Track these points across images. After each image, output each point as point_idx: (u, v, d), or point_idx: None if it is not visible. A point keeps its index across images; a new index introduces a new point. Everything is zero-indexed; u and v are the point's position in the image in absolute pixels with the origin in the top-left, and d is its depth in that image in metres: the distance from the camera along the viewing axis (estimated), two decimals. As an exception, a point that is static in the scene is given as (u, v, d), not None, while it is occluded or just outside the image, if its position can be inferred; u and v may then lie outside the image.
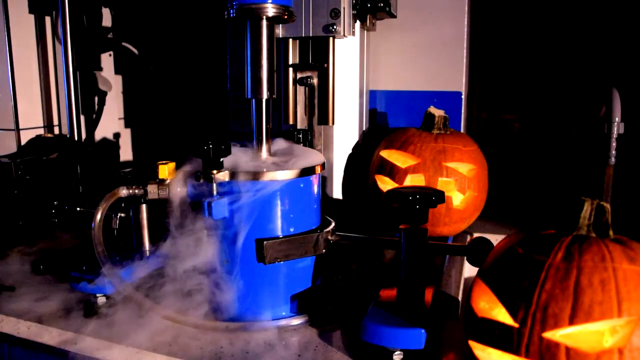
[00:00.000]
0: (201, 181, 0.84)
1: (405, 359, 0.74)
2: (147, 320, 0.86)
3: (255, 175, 0.84)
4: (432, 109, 1.23)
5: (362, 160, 1.33)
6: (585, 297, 0.59)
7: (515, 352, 0.61)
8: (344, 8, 1.12)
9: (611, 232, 0.67)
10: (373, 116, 1.48)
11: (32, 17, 1.51)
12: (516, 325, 0.62)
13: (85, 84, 1.58)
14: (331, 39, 1.16)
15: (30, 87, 1.52)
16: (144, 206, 0.98)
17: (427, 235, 0.80)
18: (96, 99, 1.64)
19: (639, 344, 0.57)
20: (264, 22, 0.86)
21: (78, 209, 1.20)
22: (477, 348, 0.67)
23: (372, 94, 1.48)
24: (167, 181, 0.90)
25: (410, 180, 1.16)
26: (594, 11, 1.52)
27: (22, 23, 1.48)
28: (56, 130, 1.58)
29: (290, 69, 1.22)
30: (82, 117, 1.57)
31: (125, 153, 1.85)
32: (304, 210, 0.90)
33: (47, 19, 1.55)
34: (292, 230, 0.88)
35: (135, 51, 1.85)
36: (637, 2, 1.46)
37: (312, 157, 0.93)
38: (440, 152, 1.16)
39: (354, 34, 1.20)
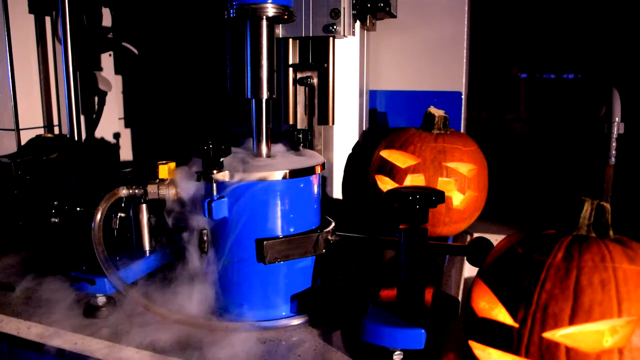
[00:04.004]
0: (201, 181, 0.84)
1: (405, 359, 0.74)
2: (146, 320, 0.87)
3: (255, 176, 0.84)
4: (432, 109, 1.23)
5: (362, 160, 1.33)
6: (585, 297, 0.59)
7: (515, 352, 0.61)
8: (344, 8, 1.12)
9: (611, 232, 0.67)
10: (373, 116, 1.48)
11: (32, 17, 1.51)
12: (516, 325, 0.62)
13: (85, 84, 1.58)
14: (331, 39, 1.16)
15: (30, 87, 1.52)
16: (144, 206, 0.98)
17: (427, 235, 0.80)
18: (96, 99, 1.64)
19: (639, 344, 0.57)
20: (264, 22, 0.86)
21: (78, 209, 1.20)
22: (477, 348, 0.67)
23: (372, 94, 1.48)
24: (167, 181, 0.90)
25: (410, 180, 1.16)
26: (594, 11, 1.52)
27: (22, 23, 1.48)
28: (56, 130, 1.58)
29: (290, 69, 1.22)
30: (82, 117, 1.57)
31: (125, 153, 1.85)
32: (304, 210, 0.90)
33: (47, 19, 1.55)
34: (292, 230, 0.87)
35: (135, 51, 1.85)
36: (637, 2, 1.46)
37: (312, 157, 0.93)
38: (440, 152, 1.16)
39: (354, 34, 1.20)
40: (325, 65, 1.17)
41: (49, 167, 1.28)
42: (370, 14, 1.31)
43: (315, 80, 1.21)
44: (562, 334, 0.59)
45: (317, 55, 1.19)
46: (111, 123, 1.73)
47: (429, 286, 0.86)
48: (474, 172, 1.18)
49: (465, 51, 1.41)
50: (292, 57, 1.21)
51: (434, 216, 1.16)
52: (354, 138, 1.33)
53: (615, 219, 0.68)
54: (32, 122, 1.52)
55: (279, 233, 0.86)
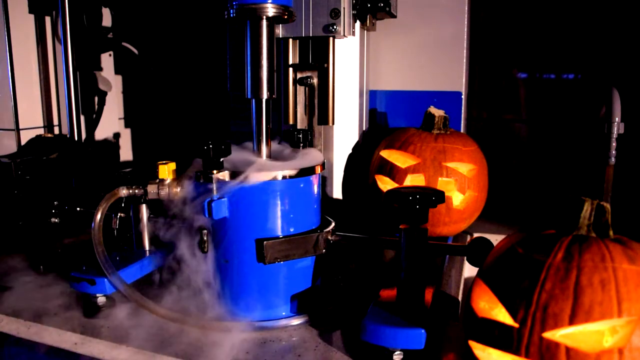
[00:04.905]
0: (201, 181, 0.84)
1: (405, 359, 0.74)
2: (147, 321, 0.87)
3: (256, 175, 0.83)
4: (432, 109, 1.23)
5: (362, 160, 1.33)
6: (585, 297, 0.59)
7: (515, 352, 0.61)
8: (344, 8, 1.12)
9: (611, 232, 0.67)
10: (373, 116, 1.48)
11: (32, 17, 1.51)
12: (516, 325, 0.62)
13: (85, 84, 1.58)
14: (331, 39, 1.16)
15: (30, 87, 1.52)
16: (144, 206, 0.98)
17: (427, 235, 0.80)
18: (96, 99, 1.64)
19: (639, 344, 0.57)
20: (264, 22, 0.86)
21: (78, 209, 1.20)
22: (477, 348, 0.67)
23: (372, 94, 1.48)
24: (167, 181, 0.90)
25: (410, 180, 1.16)
26: (594, 11, 1.52)
27: (22, 23, 1.48)
28: (56, 130, 1.58)
29: (290, 69, 1.22)
30: (82, 117, 1.57)
31: (125, 153, 1.85)
32: (304, 210, 0.89)
33: (47, 19, 1.55)
34: (292, 230, 0.87)
35: (135, 51, 1.85)
36: (637, 2, 1.46)
37: (312, 157, 0.93)
38: (440, 152, 1.16)
39: (354, 34, 1.20)
40: (325, 65, 1.17)
41: (49, 167, 1.28)
42: (370, 14, 1.31)
43: (315, 80, 1.21)
44: (562, 334, 0.59)
45: (317, 55, 1.19)
46: (111, 123, 1.73)
47: (429, 286, 0.86)
48: (474, 172, 1.18)
49: (465, 51, 1.40)
50: (292, 57, 1.21)
51: (434, 216, 1.16)
52: (354, 138, 1.33)
53: (615, 219, 0.68)
54: (32, 122, 1.52)
55: (279, 233, 0.86)
